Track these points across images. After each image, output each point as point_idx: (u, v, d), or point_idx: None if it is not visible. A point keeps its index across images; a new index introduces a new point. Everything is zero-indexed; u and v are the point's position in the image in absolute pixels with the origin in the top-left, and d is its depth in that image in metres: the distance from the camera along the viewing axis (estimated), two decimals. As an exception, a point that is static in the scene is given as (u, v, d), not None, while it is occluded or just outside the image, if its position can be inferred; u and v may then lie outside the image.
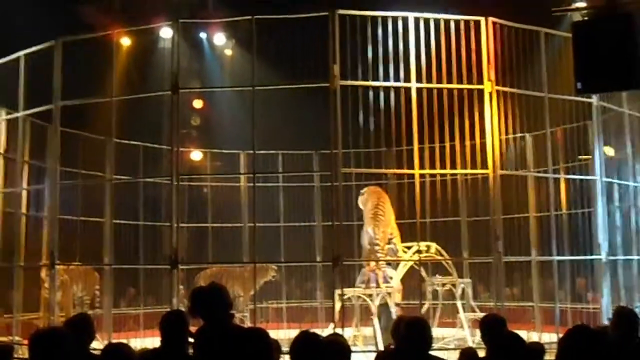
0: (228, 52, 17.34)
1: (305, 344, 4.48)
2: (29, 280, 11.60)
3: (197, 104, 17.23)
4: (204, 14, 15.74)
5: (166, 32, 14.95)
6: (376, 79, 9.32)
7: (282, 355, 5.02)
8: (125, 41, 15.20)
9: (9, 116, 11.01)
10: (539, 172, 12.22)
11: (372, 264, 11.20)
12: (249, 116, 9.17)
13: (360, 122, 9.43)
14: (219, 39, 17.13)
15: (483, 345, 5.33)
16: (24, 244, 11.11)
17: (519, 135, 11.83)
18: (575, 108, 10.78)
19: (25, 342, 9.70)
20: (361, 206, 12.10)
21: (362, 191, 12.13)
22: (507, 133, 9.98)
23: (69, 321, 5.29)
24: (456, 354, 5.74)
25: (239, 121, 14.01)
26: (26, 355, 4.25)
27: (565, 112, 11.07)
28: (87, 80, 11.92)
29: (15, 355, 6.65)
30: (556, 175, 11.35)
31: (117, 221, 12.57)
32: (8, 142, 11.34)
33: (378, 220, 11.48)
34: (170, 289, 9.21)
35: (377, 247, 11.29)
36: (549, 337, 10.20)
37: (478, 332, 11.72)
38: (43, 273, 11.29)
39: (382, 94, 9.31)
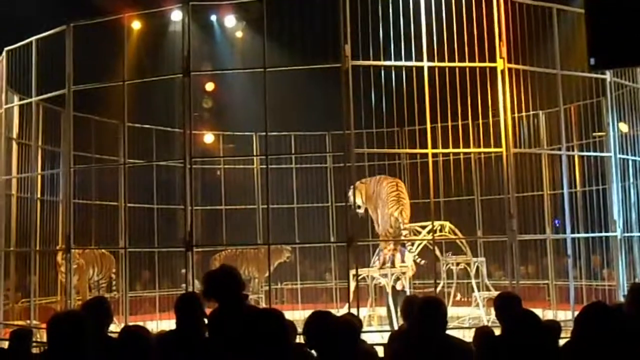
0: (239, 34, 17.30)
1: (317, 323, 4.50)
2: (46, 264, 11.70)
3: (209, 86, 17.23)
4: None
5: (177, 15, 14.93)
6: (388, 58, 9.27)
7: (297, 336, 5.05)
8: (136, 24, 15.19)
9: (22, 102, 11.05)
10: (552, 149, 12.16)
11: (391, 246, 11.22)
12: (260, 98, 9.15)
13: (372, 102, 9.40)
14: (230, 21, 17.10)
15: (498, 324, 5.33)
16: (40, 229, 11.19)
17: (532, 113, 11.77)
18: (589, 84, 10.70)
19: (43, 325, 9.79)
20: (361, 198, 11.99)
21: (357, 184, 11.39)
22: (520, 111, 9.93)
23: (87, 304, 5.32)
24: (471, 332, 5.75)
25: (251, 103, 14.02)
26: (44, 339, 4.29)
27: (579, 89, 10.99)
28: (99, 65, 11.94)
29: (33, 339, 6.70)
30: (570, 153, 11.29)
31: (132, 205, 12.63)
32: (21, 128, 11.39)
33: (402, 204, 11.51)
34: (185, 272, 9.26)
35: (404, 232, 11.32)
36: (564, 315, 10.19)
37: (493, 311, 11.78)
38: (59, 257, 11.38)
39: (394, 74, 9.26)
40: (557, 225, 12.87)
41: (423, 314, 4.64)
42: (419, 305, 4.76)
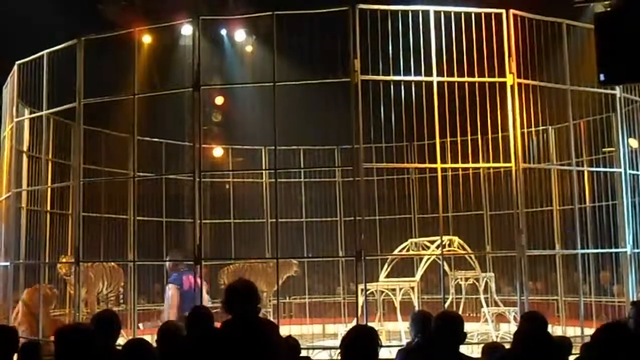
0: (249, 48, 17.37)
1: (358, 336, 4.48)
2: (55, 277, 11.72)
3: (219, 100, 17.29)
4: (224, 10, 15.77)
5: (187, 29, 15.03)
6: (397, 73, 9.30)
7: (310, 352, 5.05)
8: (147, 39, 15.27)
9: (33, 115, 11.10)
10: (562, 164, 12.14)
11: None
12: (270, 112, 9.18)
13: (381, 116, 9.41)
14: (240, 35, 17.17)
15: (507, 340, 5.31)
16: (50, 242, 11.20)
17: (541, 128, 11.76)
18: (599, 100, 10.69)
19: (52, 338, 9.79)
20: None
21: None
22: (529, 126, 9.92)
23: (96, 317, 5.34)
24: (479, 348, 5.73)
25: (260, 117, 14.05)
26: (52, 351, 4.30)
27: (589, 104, 10.98)
28: (110, 78, 12.00)
29: (42, 352, 6.71)
30: (580, 168, 11.26)
31: (141, 218, 12.65)
32: (32, 141, 11.43)
33: None
34: (195, 285, 9.26)
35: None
36: (574, 331, 10.14)
37: (502, 327, 11.73)
38: (63, 270, 11.39)
39: (403, 88, 9.28)
40: (568, 232, 12.74)
41: (442, 330, 4.62)
42: (439, 321, 4.73)
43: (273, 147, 9.42)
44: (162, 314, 10.09)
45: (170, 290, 9.52)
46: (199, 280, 9.13)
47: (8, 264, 11.03)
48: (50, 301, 11.06)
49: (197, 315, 5.28)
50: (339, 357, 4.44)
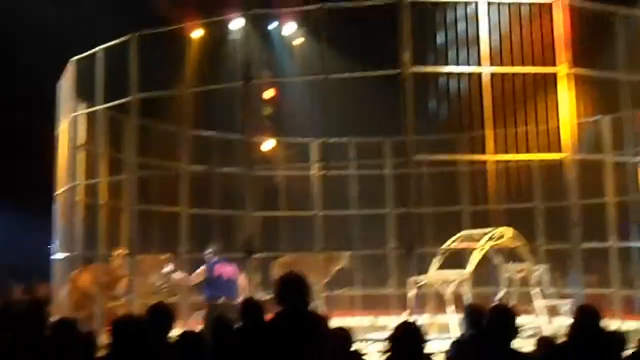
0: (298, 41, 17.38)
1: (405, 333, 4.50)
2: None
3: (269, 93, 17.35)
4: (274, 3, 15.82)
5: (237, 23, 15.11)
6: (447, 64, 9.24)
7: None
8: (198, 33, 15.41)
9: (89, 110, 11.30)
10: (616, 155, 11.91)
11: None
12: (319, 105, 9.21)
13: (429, 108, 9.38)
14: (289, 28, 17.19)
15: (561, 333, 5.26)
16: (106, 234, 11.41)
17: (594, 118, 11.55)
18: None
19: (107, 328, 9.97)
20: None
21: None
22: (582, 116, 9.76)
23: (151, 309, 5.42)
24: (532, 341, 5.68)
25: (310, 110, 14.07)
26: (108, 341, 4.41)
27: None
28: (160, 73, 12.15)
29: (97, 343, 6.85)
30: (634, 159, 11.03)
31: (192, 210, 12.78)
32: (88, 135, 11.64)
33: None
34: (248, 277, 9.37)
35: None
36: (630, 325, 9.97)
37: (555, 320, 11.59)
38: (116, 262, 11.59)
39: (453, 80, 9.23)
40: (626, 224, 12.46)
41: (495, 323, 4.59)
42: (492, 314, 4.70)
43: (323, 140, 9.46)
44: None
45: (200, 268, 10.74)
46: (229, 271, 10.16)
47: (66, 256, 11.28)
48: (110, 282, 11.33)
49: (248, 306, 5.34)
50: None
